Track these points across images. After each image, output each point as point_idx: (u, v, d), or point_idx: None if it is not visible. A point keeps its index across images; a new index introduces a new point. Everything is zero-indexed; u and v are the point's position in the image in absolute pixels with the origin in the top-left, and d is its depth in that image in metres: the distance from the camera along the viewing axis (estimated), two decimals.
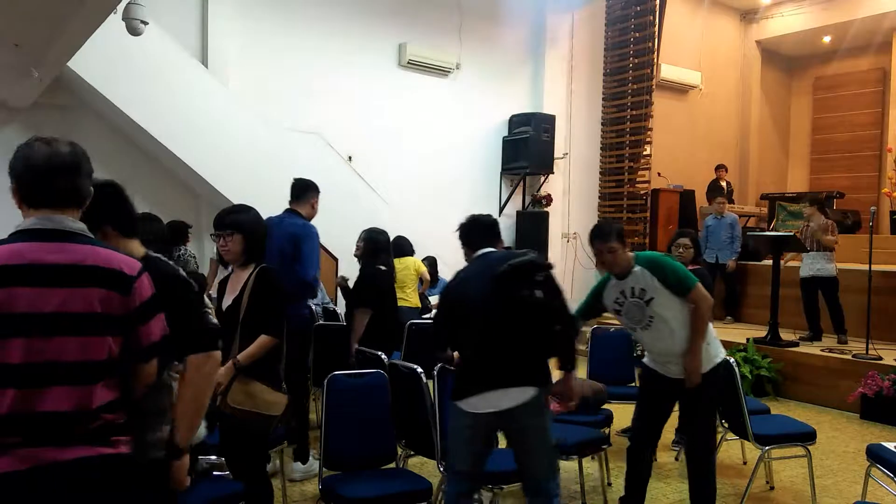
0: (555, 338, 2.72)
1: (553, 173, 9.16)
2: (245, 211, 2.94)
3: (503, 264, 2.69)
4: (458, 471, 2.79)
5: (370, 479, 2.96)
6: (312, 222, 4.27)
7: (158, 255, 2.01)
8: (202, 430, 2.05)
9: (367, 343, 4.10)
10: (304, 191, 4.29)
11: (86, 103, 6.52)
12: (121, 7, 4.96)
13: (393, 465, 3.17)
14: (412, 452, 3.46)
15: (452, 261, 7.63)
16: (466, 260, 2.97)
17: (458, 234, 3.00)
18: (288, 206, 4.28)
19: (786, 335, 6.91)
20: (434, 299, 6.96)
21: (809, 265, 6.78)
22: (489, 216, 3.06)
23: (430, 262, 7.11)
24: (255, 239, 2.88)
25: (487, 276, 2.71)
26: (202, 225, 7.09)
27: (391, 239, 4.72)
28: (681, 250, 4.74)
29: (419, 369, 3.20)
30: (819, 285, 6.76)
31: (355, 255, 4.57)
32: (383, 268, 4.42)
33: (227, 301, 2.88)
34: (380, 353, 3.71)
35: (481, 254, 2.90)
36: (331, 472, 3.01)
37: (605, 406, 4.14)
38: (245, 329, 2.77)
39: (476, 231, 2.97)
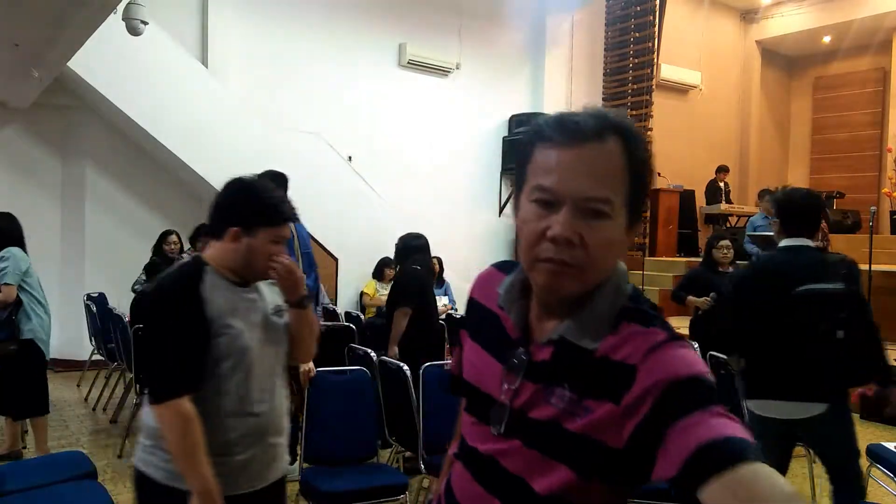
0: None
1: None
2: None
3: (803, 284, 2.54)
4: None
5: (349, 473, 3.01)
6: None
7: None
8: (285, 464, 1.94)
9: (408, 344, 4.04)
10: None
11: (86, 103, 6.52)
12: (121, 7, 4.96)
13: (375, 460, 3.20)
14: (402, 448, 3.51)
15: (453, 261, 7.67)
16: (775, 237, 2.79)
17: (776, 208, 2.77)
18: None
19: None
20: (442, 300, 6.96)
21: None
22: (812, 195, 2.82)
23: (436, 262, 7.14)
24: None
25: (784, 285, 2.59)
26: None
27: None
28: (724, 251, 4.77)
29: (405, 367, 3.27)
30: None
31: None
32: (418, 267, 4.34)
33: None
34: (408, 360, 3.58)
35: (791, 246, 2.72)
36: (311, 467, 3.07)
37: None
38: None
39: (792, 213, 2.75)
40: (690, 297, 4.84)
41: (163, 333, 1.72)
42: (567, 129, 0.93)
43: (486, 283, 1.14)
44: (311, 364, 3.01)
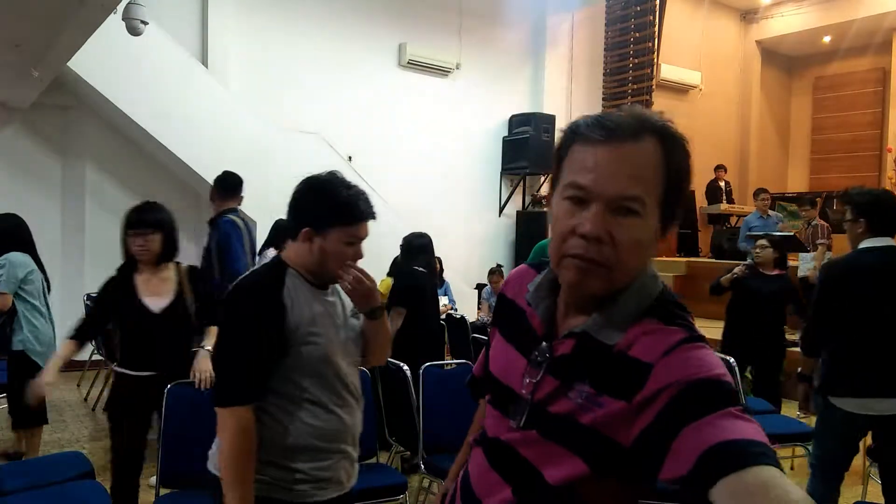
0: None
1: None
2: (163, 210, 2.86)
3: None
4: None
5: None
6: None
7: None
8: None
9: (408, 344, 3.90)
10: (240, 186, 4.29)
11: (86, 103, 6.52)
12: (121, 7, 4.96)
13: (374, 460, 3.13)
14: (402, 449, 3.50)
15: (453, 261, 7.67)
16: (853, 239, 2.85)
17: (858, 209, 2.82)
18: (229, 205, 4.22)
19: (789, 334, 6.90)
20: (442, 300, 6.95)
21: (806, 266, 6.76)
22: (892, 195, 2.89)
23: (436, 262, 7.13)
24: (173, 238, 2.85)
25: (880, 286, 2.71)
26: (201, 224, 7.09)
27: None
28: (758, 250, 4.62)
29: (405, 367, 3.24)
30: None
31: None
32: (420, 268, 4.27)
33: (159, 303, 2.79)
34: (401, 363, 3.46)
35: (880, 247, 2.78)
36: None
37: None
38: (199, 325, 2.85)
39: (881, 213, 2.81)
40: (724, 277, 4.76)
41: (237, 338, 1.64)
42: (605, 129, 0.93)
43: (518, 280, 1.17)
44: None
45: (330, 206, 1.70)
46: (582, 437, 0.94)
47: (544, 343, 1.02)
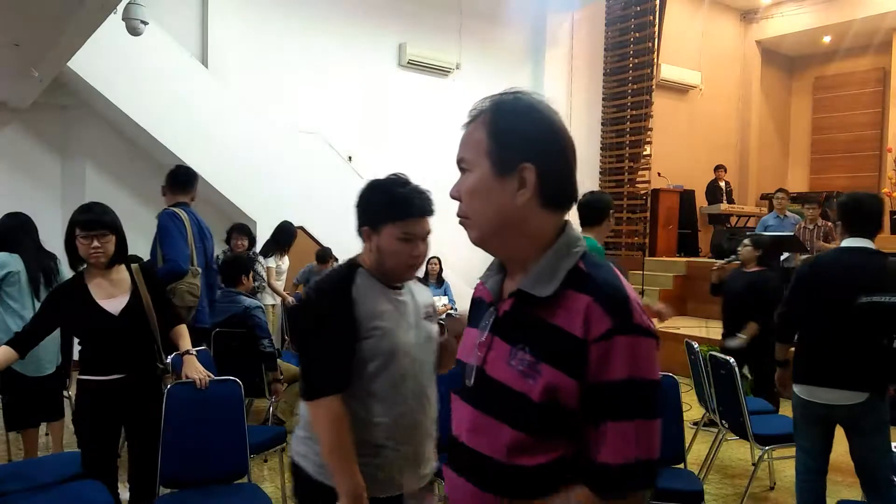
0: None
1: None
2: (112, 211, 2.76)
3: (866, 291, 2.80)
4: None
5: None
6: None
7: None
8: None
9: None
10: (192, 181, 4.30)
11: (86, 103, 6.52)
12: (121, 7, 4.96)
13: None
14: None
15: (453, 261, 7.67)
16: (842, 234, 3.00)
17: (840, 211, 3.01)
18: (179, 199, 4.19)
19: None
20: (442, 300, 6.96)
21: None
22: (876, 197, 3.05)
23: (436, 262, 7.15)
24: (124, 239, 2.76)
25: (848, 286, 2.84)
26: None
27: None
28: (740, 248, 4.93)
29: None
30: None
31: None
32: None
33: (116, 304, 2.70)
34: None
35: (853, 247, 2.93)
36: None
37: None
38: (159, 326, 2.79)
39: (857, 215, 2.96)
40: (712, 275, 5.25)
41: (315, 334, 1.74)
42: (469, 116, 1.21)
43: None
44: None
45: (382, 203, 1.77)
46: (518, 403, 1.06)
47: (491, 308, 1.16)
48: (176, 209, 4.11)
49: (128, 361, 2.70)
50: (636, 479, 1.02)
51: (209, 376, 2.84)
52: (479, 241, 1.14)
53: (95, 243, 2.63)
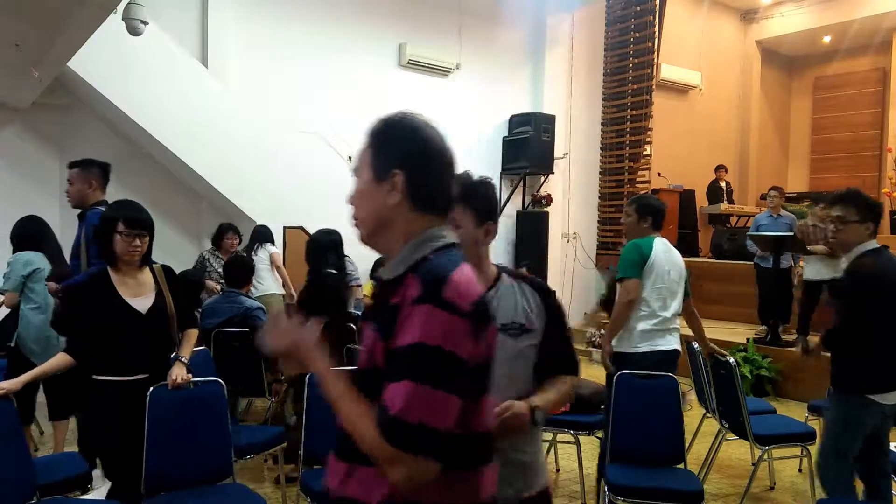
0: None
1: (553, 173, 9.15)
2: (147, 211, 2.79)
3: None
4: None
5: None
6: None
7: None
8: None
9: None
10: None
11: (86, 103, 6.53)
12: (121, 7, 4.96)
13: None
14: None
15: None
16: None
17: (871, 212, 3.10)
18: (101, 197, 4.20)
19: (786, 335, 6.91)
20: None
21: (816, 269, 6.57)
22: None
23: None
24: (152, 240, 2.80)
25: None
26: (201, 225, 7.10)
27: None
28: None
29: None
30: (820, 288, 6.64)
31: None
32: (333, 271, 4.18)
33: (144, 303, 2.71)
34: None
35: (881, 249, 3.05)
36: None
37: None
38: (178, 327, 2.82)
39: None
40: None
41: None
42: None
43: None
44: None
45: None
46: (357, 374, 1.25)
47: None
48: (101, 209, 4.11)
49: (153, 361, 2.72)
50: (416, 441, 1.09)
51: (187, 380, 2.76)
52: (365, 240, 1.32)
53: (137, 242, 2.67)
